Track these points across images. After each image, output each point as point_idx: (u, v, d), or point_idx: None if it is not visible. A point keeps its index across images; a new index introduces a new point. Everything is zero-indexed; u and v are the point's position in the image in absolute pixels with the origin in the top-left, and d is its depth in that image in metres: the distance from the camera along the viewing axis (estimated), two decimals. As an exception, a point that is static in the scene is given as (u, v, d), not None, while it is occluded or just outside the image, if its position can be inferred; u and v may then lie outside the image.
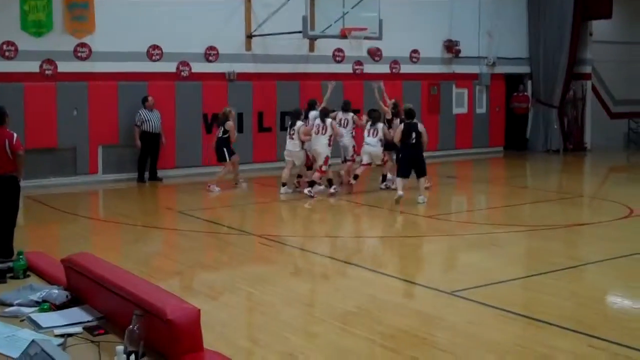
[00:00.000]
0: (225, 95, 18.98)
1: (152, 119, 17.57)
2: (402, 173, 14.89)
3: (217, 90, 18.92)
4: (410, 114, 15.03)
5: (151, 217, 14.41)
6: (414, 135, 14.70)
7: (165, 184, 17.81)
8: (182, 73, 18.64)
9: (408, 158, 14.87)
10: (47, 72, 17.02)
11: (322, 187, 16.10)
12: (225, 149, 16.58)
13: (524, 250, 11.73)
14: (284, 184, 16.12)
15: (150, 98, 17.59)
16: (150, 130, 17.58)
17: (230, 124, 16.55)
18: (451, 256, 11.47)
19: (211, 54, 18.98)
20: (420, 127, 14.88)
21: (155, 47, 18.20)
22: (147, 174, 17.82)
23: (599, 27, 25.72)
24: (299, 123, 16.01)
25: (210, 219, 13.69)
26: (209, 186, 16.53)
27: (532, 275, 9.88)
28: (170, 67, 18.43)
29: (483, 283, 9.28)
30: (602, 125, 26.52)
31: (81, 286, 5.70)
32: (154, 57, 18.24)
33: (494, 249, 11.53)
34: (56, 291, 5.73)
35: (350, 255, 11.15)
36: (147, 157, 17.77)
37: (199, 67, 18.80)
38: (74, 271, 5.80)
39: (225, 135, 16.53)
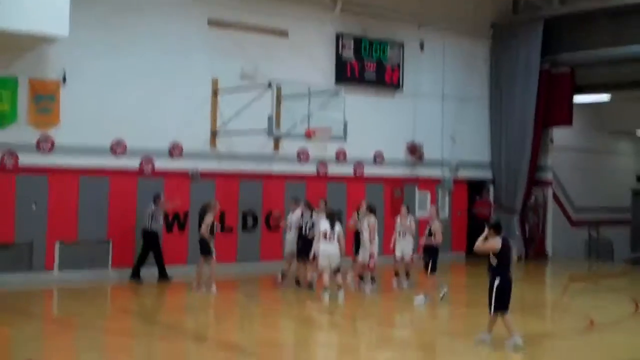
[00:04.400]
0: (187, 192, 18.81)
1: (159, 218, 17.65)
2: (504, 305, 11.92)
3: (180, 187, 18.75)
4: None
5: (106, 320, 13.90)
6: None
7: (120, 283, 17.41)
8: (145, 169, 18.49)
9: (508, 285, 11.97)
10: (7, 164, 16.78)
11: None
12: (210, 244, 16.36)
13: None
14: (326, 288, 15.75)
15: (162, 197, 17.72)
16: (154, 230, 17.59)
17: (207, 218, 16.35)
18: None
19: (175, 150, 18.90)
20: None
21: (119, 142, 18.08)
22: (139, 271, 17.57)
23: (559, 134, 26.17)
24: (338, 226, 15.91)
25: (166, 323, 13.29)
26: (204, 288, 16.23)
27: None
28: (133, 163, 18.29)
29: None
30: (563, 232, 26.72)
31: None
32: (117, 153, 18.09)
33: (453, 360, 11.32)
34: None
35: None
36: (147, 253, 17.56)
37: (162, 164, 18.69)
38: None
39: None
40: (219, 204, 17.07)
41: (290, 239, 17.25)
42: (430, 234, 15.84)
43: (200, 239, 16.47)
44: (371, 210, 16.98)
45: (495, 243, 11.82)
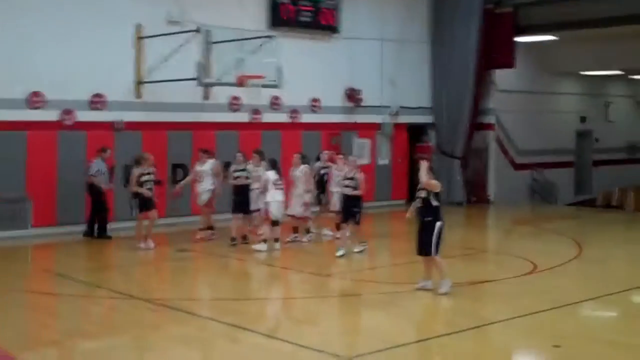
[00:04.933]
0: (112, 145, 17.77)
1: (106, 172, 16.93)
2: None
3: (103, 140, 17.63)
4: None
5: (27, 280, 13.37)
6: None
7: (42, 242, 16.59)
8: (65, 122, 17.48)
9: None
10: None
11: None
12: (137, 200, 15.61)
13: (426, 310, 11.31)
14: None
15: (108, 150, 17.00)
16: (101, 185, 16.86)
17: (132, 173, 15.71)
18: (350, 318, 11.01)
19: (97, 101, 17.91)
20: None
21: (36, 93, 17.04)
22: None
23: (502, 77, 25.62)
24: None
25: (92, 282, 12.73)
26: (142, 244, 15.49)
27: (434, 337, 9.62)
28: (52, 115, 17.29)
29: (383, 347, 8.91)
30: (506, 176, 26.29)
31: None
32: (34, 105, 17.06)
33: (395, 310, 11.05)
34: None
35: (241, 319, 10.26)
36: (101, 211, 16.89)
37: (84, 116, 17.70)
38: None
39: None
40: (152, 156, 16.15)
41: (204, 188, 16.49)
42: (351, 183, 14.85)
43: (134, 194, 15.65)
44: (304, 159, 16.19)
45: (438, 183, 11.64)
